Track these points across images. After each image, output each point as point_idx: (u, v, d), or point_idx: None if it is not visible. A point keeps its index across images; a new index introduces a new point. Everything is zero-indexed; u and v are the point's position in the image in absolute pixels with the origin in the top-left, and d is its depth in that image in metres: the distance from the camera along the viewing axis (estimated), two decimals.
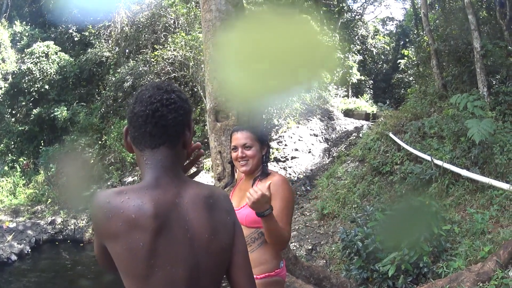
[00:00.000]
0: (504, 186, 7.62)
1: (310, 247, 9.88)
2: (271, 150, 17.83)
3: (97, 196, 1.54)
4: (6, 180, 18.70)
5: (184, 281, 1.53)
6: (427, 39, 15.16)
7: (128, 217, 1.47)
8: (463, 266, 5.71)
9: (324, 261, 8.90)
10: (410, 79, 25.95)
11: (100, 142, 18.56)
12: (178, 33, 18.78)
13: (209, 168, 15.67)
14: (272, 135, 18.19)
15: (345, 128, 21.12)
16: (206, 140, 13.71)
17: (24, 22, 23.58)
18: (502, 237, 6.11)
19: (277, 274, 2.99)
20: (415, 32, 21.68)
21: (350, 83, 29.66)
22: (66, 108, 19.87)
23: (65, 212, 16.15)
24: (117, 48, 21.26)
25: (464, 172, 8.79)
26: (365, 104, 26.75)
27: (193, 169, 1.98)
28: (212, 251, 1.61)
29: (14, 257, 13.11)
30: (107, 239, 1.50)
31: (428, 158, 9.89)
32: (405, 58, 25.98)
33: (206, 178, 15.38)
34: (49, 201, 17.11)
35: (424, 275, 5.94)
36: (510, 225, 6.91)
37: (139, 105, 1.65)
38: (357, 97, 28.82)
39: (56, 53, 21.20)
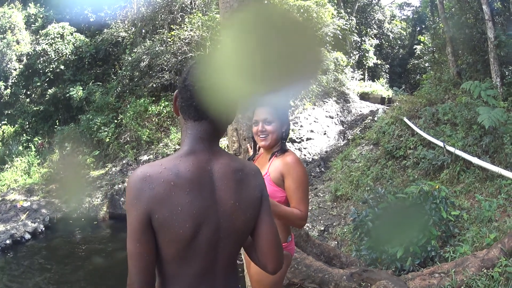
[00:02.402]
0: None
1: (322, 228, 9.99)
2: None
3: (136, 173, 1.67)
4: (21, 160, 18.88)
5: (206, 240, 1.69)
6: (442, 26, 15.10)
7: (168, 184, 1.63)
8: (469, 252, 5.80)
9: (336, 242, 9.01)
10: (426, 65, 25.73)
11: (116, 121, 18.65)
12: (195, 14, 18.82)
13: (225, 147, 15.77)
14: (288, 116, 18.22)
15: (360, 111, 21.08)
16: None
17: (38, 4, 23.58)
18: (508, 226, 6.20)
19: (284, 248, 3.10)
20: (431, 19, 21.50)
21: (367, 66, 29.55)
22: (81, 88, 19.95)
23: (79, 191, 16.27)
24: (133, 28, 21.23)
25: (475, 160, 8.84)
26: (381, 88, 26.61)
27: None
28: (234, 218, 1.76)
29: (28, 236, 13.25)
30: (153, 208, 1.61)
31: (441, 144, 9.94)
32: (421, 44, 25.84)
33: None
34: (64, 180, 17.23)
35: (431, 259, 6.03)
36: None
37: (190, 78, 1.78)
38: (373, 81, 28.65)
39: (72, 34, 21.23)
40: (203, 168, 1.72)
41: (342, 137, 18.52)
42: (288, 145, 16.58)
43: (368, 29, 31.24)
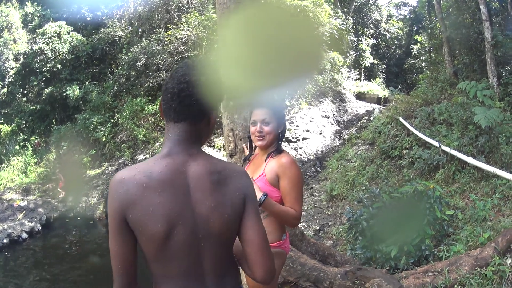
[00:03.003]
0: (508, 176, 7.71)
1: (318, 228, 10.02)
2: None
3: (115, 176, 1.74)
4: (18, 159, 18.90)
5: (182, 241, 1.72)
6: (439, 26, 15.15)
7: (140, 186, 1.68)
8: (463, 251, 5.82)
9: (331, 242, 9.03)
10: (423, 65, 25.86)
11: (112, 121, 18.66)
12: (191, 13, 18.85)
13: (221, 147, 15.77)
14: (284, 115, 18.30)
15: (356, 111, 21.13)
16: (218, 118, 13.84)
17: (35, 3, 23.58)
18: (502, 225, 6.23)
19: (279, 246, 3.17)
20: (428, 19, 21.56)
21: (363, 66, 29.63)
22: (78, 87, 19.96)
23: (76, 190, 16.29)
24: (130, 28, 21.28)
25: (470, 160, 8.88)
26: (377, 88, 26.66)
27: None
28: (212, 219, 1.77)
29: (25, 235, 13.25)
30: (127, 209, 1.67)
31: (436, 144, 9.98)
32: (418, 44, 25.92)
33: (217, 156, 15.51)
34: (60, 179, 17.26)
35: (425, 258, 6.06)
36: (511, 214, 7.02)
37: (171, 82, 1.82)
38: (370, 81, 28.72)
39: (68, 33, 21.26)
40: (177, 170, 1.76)
41: (338, 136, 18.57)
42: (284, 144, 16.65)
43: (365, 29, 31.30)
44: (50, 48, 20.52)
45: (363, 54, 28.76)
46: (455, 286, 4.92)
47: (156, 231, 1.67)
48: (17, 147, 19.95)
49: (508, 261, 4.97)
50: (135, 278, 1.75)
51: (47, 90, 20.53)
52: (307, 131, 18.05)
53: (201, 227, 1.75)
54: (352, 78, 26.79)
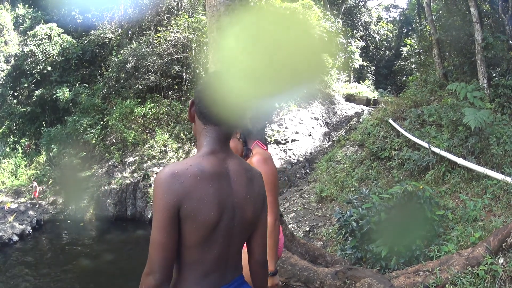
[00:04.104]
0: (499, 176, 7.78)
1: (307, 229, 10.04)
2: (272, 131, 17.89)
3: (165, 171, 1.89)
4: (8, 162, 18.78)
5: (224, 227, 1.96)
6: (429, 28, 15.22)
7: (194, 178, 1.88)
8: (454, 251, 5.84)
9: (321, 242, 9.06)
10: (412, 66, 25.95)
11: (102, 123, 18.59)
12: (181, 15, 18.85)
13: None
14: (273, 117, 18.32)
15: (345, 112, 21.23)
16: None
17: (26, 5, 23.47)
18: (494, 225, 6.28)
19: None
20: (417, 21, 21.67)
21: (352, 68, 29.71)
22: (68, 89, 19.84)
23: (66, 192, 16.24)
24: (120, 30, 21.21)
25: (460, 161, 8.93)
26: (366, 89, 26.81)
27: None
28: (246, 208, 2.05)
29: (15, 238, 13.21)
30: (183, 199, 1.84)
31: (426, 145, 10.04)
32: (408, 46, 26.01)
33: None
34: (50, 182, 17.20)
35: (416, 258, 6.07)
36: (502, 214, 7.06)
37: (208, 89, 2.07)
38: (359, 83, 28.88)
39: (59, 35, 21.15)
40: (221, 165, 2.00)
41: (327, 138, 18.63)
42: (273, 146, 16.66)
43: (354, 31, 31.44)
44: (41, 50, 20.43)
45: (353, 56, 28.85)
46: (447, 285, 4.94)
47: (209, 217, 1.87)
48: (7, 149, 19.87)
49: (501, 260, 4.99)
50: (171, 274, 1.89)
51: (37, 92, 20.42)
52: (296, 133, 18.10)
53: (237, 215, 2.00)
54: (342, 80, 26.91)
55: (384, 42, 35.45)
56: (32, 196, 16.20)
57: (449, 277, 4.99)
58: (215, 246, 1.94)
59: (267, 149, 3.38)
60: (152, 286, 1.80)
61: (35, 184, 16.46)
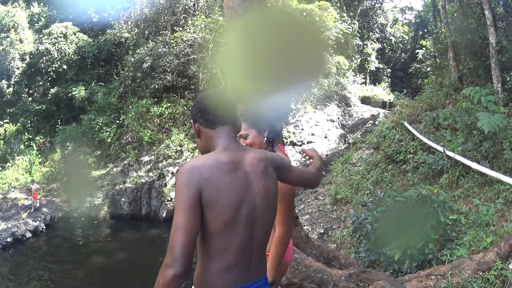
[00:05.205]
0: None
1: (322, 231, 10.06)
2: (288, 133, 17.87)
3: (186, 165, 2.08)
4: (22, 159, 18.99)
5: (245, 216, 2.08)
6: (444, 31, 15.14)
7: (212, 169, 2.06)
8: (465, 255, 5.84)
9: (335, 245, 9.08)
10: (428, 69, 25.78)
11: (117, 122, 18.70)
12: (198, 16, 18.91)
13: None
14: (289, 119, 18.34)
15: (361, 115, 21.17)
16: None
17: (41, 4, 23.65)
18: (505, 230, 6.26)
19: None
20: (433, 24, 21.57)
21: (368, 70, 29.64)
22: (84, 88, 20.02)
23: (80, 190, 16.33)
24: (136, 29, 21.32)
25: (474, 165, 8.91)
26: (382, 92, 26.67)
27: None
28: (268, 196, 2.19)
29: (29, 234, 13.34)
30: (203, 187, 2.00)
31: (441, 149, 10.02)
32: (423, 48, 25.89)
33: None
34: (65, 179, 17.31)
35: (429, 262, 6.08)
36: None
37: (205, 97, 2.30)
38: (375, 85, 28.71)
39: (75, 34, 21.35)
40: (237, 159, 2.16)
41: (342, 140, 18.60)
42: (289, 147, 16.65)
43: (370, 33, 31.33)
44: (56, 48, 20.61)
45: (369, 58, 28.81)
46: None
47: (227, 204, 2.02)
48: (22, 146, 20.04)
49: (511, 265, 4.99)
50: (190, 266, 1.91)
51: (52, 90, 20.60)
52: (312, 134, 18.09)
53: (258, 204, 2.14)
54: (358, 82, 26.82)
55: (400, 45, 35.28)
56: (31, 198, 16.10)
57: (460, 281, 5.01)
58: (238, 235, 2.05)
59: (287, 154, 3.40)
60: (171, 277, 1.83)
61: (35, 185, 16.40)
